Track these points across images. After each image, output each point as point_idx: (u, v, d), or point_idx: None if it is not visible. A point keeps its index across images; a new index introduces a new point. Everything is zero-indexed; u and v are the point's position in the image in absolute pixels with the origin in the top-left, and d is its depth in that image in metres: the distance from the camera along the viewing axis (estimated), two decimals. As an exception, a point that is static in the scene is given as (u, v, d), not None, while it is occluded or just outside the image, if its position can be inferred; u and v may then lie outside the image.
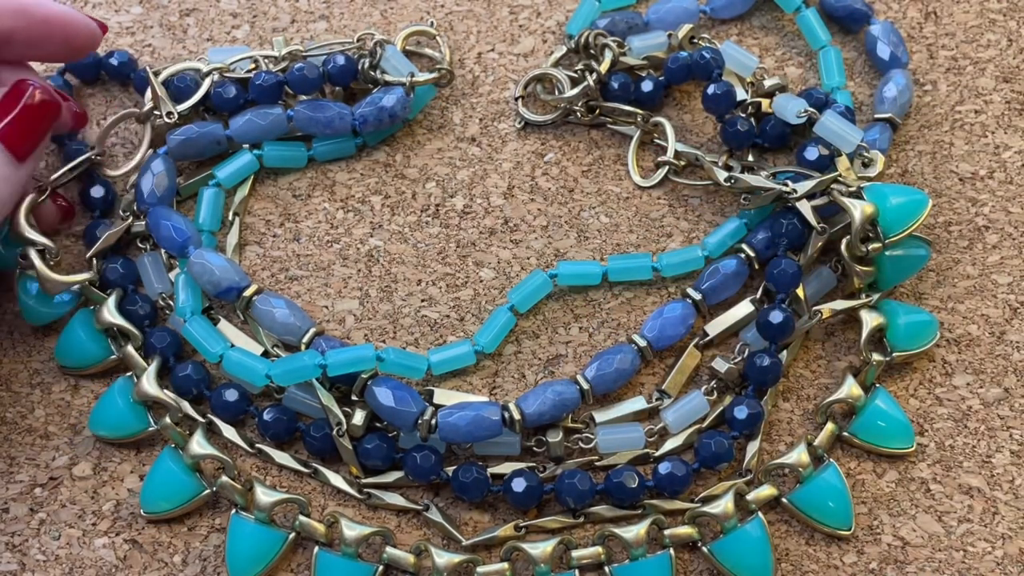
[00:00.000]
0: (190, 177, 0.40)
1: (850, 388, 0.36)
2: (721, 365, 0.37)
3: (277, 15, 0.43)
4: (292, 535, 0.34)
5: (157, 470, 0.35)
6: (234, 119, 0.40)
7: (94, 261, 0.38)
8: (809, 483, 0.35)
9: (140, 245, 0.39)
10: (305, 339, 0.36)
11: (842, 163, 0.38)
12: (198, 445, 0.35)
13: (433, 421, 0.35)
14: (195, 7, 0.44)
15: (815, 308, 0.37)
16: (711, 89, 0.40)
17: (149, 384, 0.36)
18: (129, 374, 0.37)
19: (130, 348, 0.37)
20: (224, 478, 0.35)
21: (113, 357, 0.37)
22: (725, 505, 0.34)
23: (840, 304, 0.37)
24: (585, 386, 0.36)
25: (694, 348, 0.37)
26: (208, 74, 0.40)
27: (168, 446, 0.36)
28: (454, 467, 0.35)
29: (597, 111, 0.42)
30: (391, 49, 0.41)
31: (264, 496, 0.34)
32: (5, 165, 0.34)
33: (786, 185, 0.37)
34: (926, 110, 0.42)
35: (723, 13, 0.44)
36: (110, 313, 0.37)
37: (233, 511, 0.34)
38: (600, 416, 0.36)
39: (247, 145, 0.40)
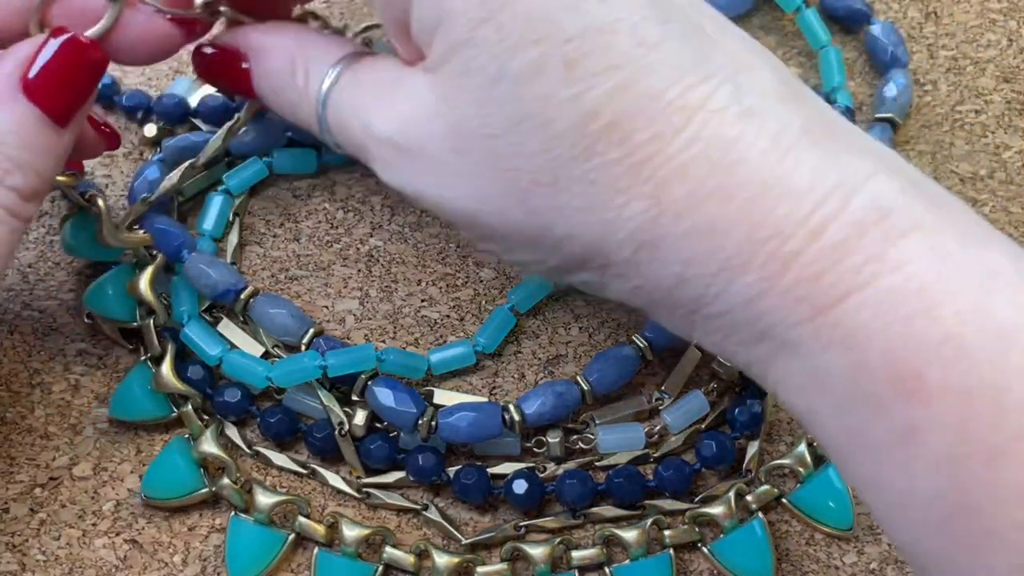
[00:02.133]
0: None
1: (850, 388, 0.36)
2: (720, 364, 0.37)
3: (277, 15, 0.43)
4: (292, 536, 0.34)
5: (163, 458, 0.35)
6: None
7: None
8: (809, 483, 0.35)
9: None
10: (305, 339, 0.36)
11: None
12: (206, 444, 0.35)
13: (433, 422, 0.35)
14: (195, 7, 0.44)
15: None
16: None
17: (168, 374, 0.36)
18: (143, 359, 0.37)
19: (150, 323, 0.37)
20: (224, 479, 0.35)
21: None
22: (725, 505, 0.34)
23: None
24: (585, 386, 0.36)
25: (694, 348, 0.37)
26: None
27: (178, 436, 0.36)
28: (455, 468, 0.35)
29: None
30: (379, 44, 0.41)
31: (263, 498, 0.34)
32: (45, 131, 0.30)
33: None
34: (926, 110, 0.42)
35: (723, 12, 0.44)
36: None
37: (232, 513, 0.34)
38: (600, 416, 0.36)
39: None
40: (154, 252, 0.37)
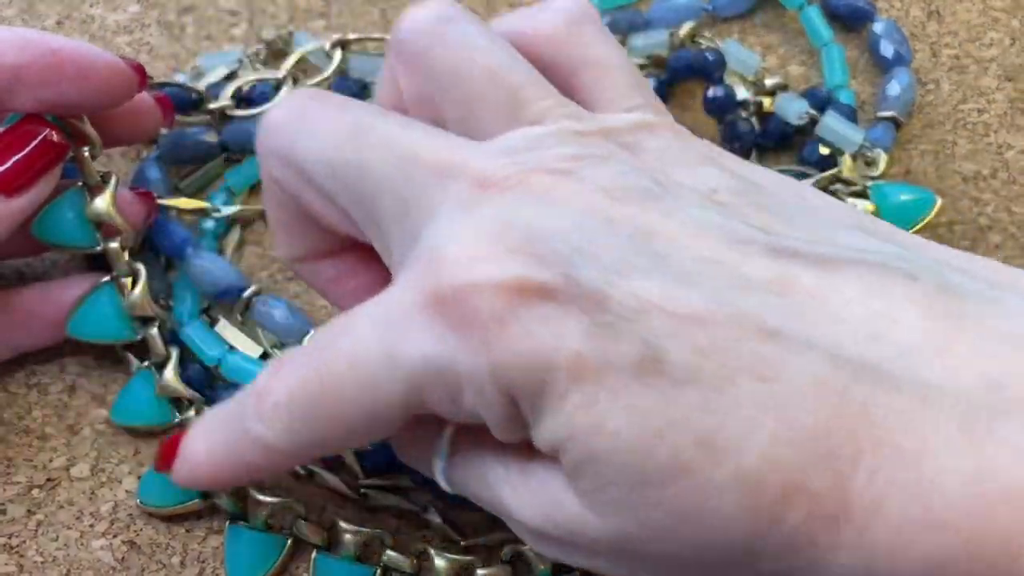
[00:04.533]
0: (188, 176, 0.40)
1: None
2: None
3: (276, 13, 0.43)
4: (291, 540, 0.34)
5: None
6: (226, 124, 0.40)
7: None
8: (810, 485, 0.35)
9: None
10: (305, 340, 0.36)
11: (846, 163, 0.38)
12: None
13: (433, 423, 0.35)
14: (193, 5, 0.43)
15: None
16: (711, 93, 0.40)
17: (172, 377, 0.35)
18: (147, 363, 0.36)
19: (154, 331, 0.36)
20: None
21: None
22: (726, 507, 0.34)
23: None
24: (586, 387, 0.35)
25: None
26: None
27: None
28: (454, 469, 0.35)
29: (598, 110, 0.41)
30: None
31: (260, 503, 0.34)
32: None
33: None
34: (929, 109, 0.42)
35: (726, 11, 0.44)
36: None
37: (228, 522, 0.34)
38: (601, 417, 0.36)
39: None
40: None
